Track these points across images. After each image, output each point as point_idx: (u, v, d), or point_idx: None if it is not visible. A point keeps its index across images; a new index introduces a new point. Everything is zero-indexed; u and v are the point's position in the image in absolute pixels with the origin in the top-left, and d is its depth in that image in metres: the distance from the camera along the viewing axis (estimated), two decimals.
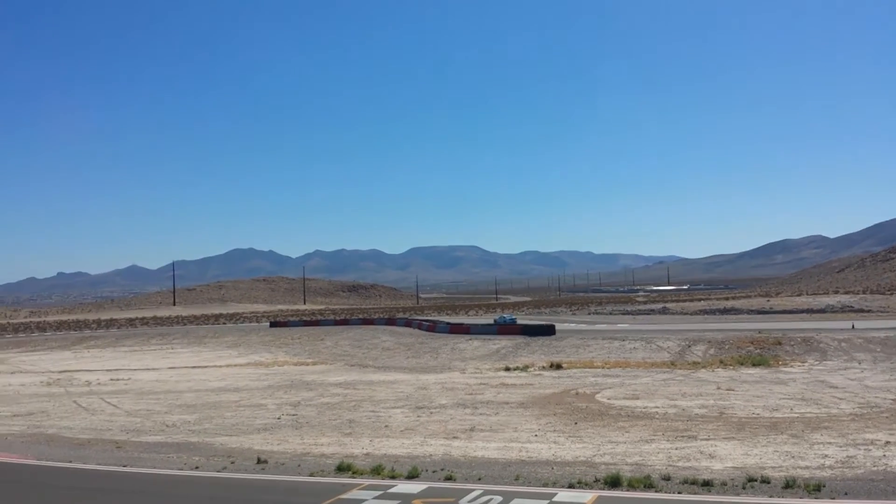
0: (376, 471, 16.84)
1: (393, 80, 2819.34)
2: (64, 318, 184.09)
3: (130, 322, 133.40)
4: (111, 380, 40.69)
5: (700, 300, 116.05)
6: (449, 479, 16.04)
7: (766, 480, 14.98)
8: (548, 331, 53.71)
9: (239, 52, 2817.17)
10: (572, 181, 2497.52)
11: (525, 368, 38.43)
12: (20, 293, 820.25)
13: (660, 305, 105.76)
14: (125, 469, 18.39)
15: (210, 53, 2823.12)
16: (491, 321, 69.27)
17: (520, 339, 52.04)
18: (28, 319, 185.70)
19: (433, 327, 65.15)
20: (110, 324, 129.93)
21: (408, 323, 75.57)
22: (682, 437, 19.99)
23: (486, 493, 14.76)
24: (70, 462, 19.51)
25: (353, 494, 14.95)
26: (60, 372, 46.71)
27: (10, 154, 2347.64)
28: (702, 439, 19.60)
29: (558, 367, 38.19)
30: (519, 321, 69.21)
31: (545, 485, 15.33)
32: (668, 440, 19.62)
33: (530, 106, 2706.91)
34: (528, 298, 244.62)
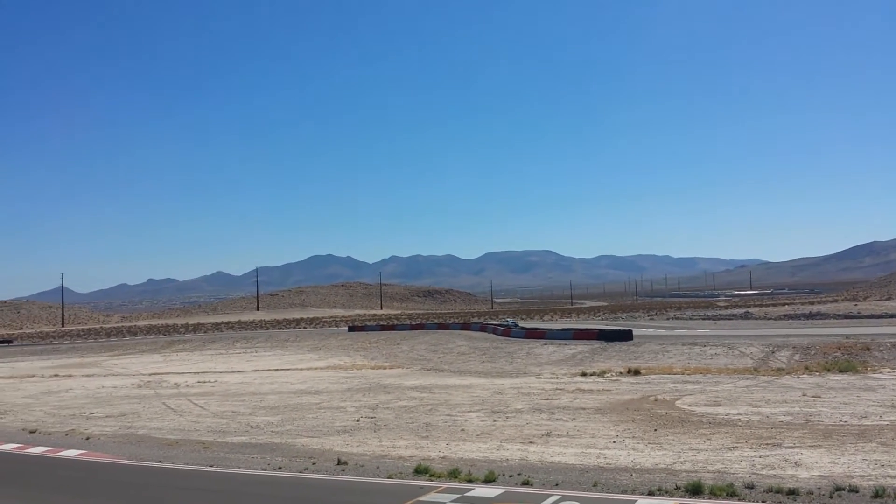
0: (453, 474, 17.01)
1: (465, 83, 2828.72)
2: (154, 322, 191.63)
3: (216, 326, 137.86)
4: (198, 382, 42.18)
5: (784, 305, 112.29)
6: (526, 483, 16.07)
7: (854, 489, 14.48)
8: (625, 336, 52.92)
9: (314, 60, 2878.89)
10: (649, 184, 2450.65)
11: (602, 374, 38.01)
12: (112, 299, 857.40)
13: (742, 310, 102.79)
14: (212, 469, 19.10)
15: (288, 61, 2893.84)
16: (564, 326, 68.84)
17: (596, 345, 51.46)
18: (120, 324, 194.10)
19: (508, 332, 65.04)
20: (197, 328, 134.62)
21: (482, 327, 75.64)
22: (767, 444, 19.46)
23: (563, 498, 14.74)
24: (160, 462, 20.38)
25: (432, 497, 15.16)
26: (150, 375, 48.68)
27: (101, 167, 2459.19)
28: (787, 447, 19.04)
29: (636, 372, 37.61)
30: (595, 327, 68.46)
31: (624, 492, 15.20)
32: (751, 448, 19.13)
33: (605, 108, 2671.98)
34: (603, 303, 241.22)
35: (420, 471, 17.48)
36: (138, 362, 61.35)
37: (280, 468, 18.77)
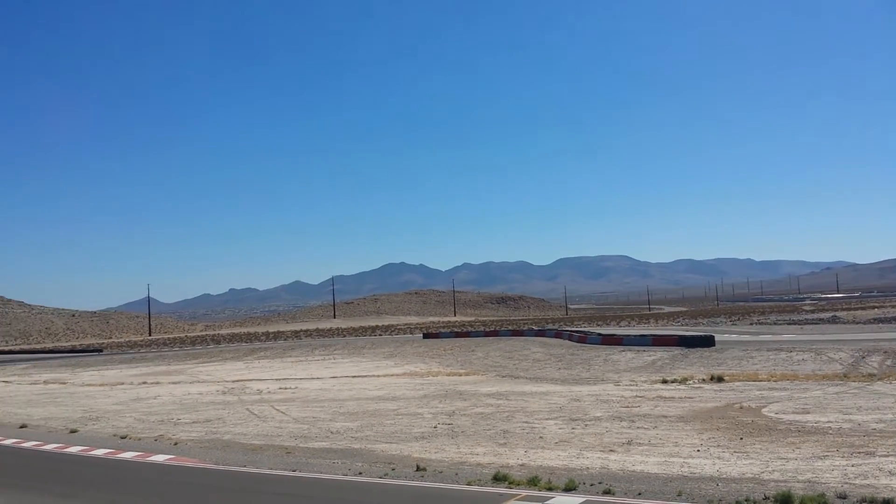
0: (532, 482, 16.88)
1: (535, 89, 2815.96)
2: (236, 331, 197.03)
3: (295, 334, 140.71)
4: (280, 388, 43.11)
5: (873, 308, 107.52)
6: (608, 492, 15.81)
7: None
8: (706, 342, 51.56)
9: (390, 70, 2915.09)
10: (728, 186, 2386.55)
11: (683, 381, 37.13)
12: (196, 309, 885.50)
13: (829, 314, 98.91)
14: (295, 474, 19.48)
15: (363, 72, 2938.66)
16: (642, 332, 67.56)
17: (676, 351, 50.31)
18: (204, 333, 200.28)
19: (584, 338, 64.25)
20: (277, 336, 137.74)
21: (558, 334, 74.92)
22: (859, 453, 18.63)
23: None
24: (244, 466, 20.87)
25: None
26: (234, 381, 50.02)
27: (184, 183, 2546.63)
28: (881, 455, 18.19)
29: (719, 379, 36.59)
30: (675, 332, 66.95)
31: (710, 502, 14.78)
32: (843, 456, 18.35)
33: (683, 111, 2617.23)
34: (683, 309, 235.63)
35: (499, 478, 17.41)
36: (222, 369, 63.11)
37: (360, 473, 18.99)
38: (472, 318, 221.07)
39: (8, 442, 27.85)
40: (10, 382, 60.76)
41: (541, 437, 23.26)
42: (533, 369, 49.07)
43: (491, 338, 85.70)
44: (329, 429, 27.16)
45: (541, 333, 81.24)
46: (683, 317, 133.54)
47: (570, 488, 16.26)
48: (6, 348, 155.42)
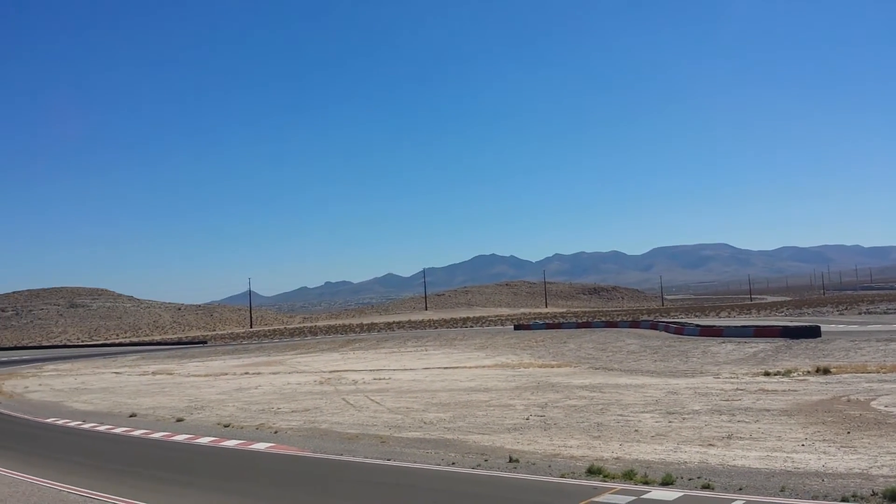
0: (628, 476, 16.57)
1: (626, 78, 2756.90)
2: (331, 322, 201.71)
3: (388, 326, 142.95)
4: (374, 379, 43.89)
5: None
6: (706, 487, 15.36)
7: None
8: (812, 332, 49.33)
9: (480, 66, 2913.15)
10: (834, 170, 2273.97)
11: (787, 373, 35.68)
12: (294, 301, 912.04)
13: None
14: (389, 463, 19.78)
15: (454, 67, 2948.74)
16: (743, 323, 65.29)
17: (779, 342, 48.39)
18: (301, 325, 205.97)
19: (681, 329, 62.62)
20: (371, 327, 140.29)
21: (653, 325, 73.33)
22: None
23: (748, 503, 13.99)
24: (341, 455, 21.34)
25: (606, 498, 14.86)
26: (330, 372, 51.23)
27: (280, 180, 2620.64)
28: None
29: (826, 371, 34.97)
30: (778, 323, 64.44)
31: (815, 497, 14.16)
32: None
33: (778, 93, 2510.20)
34: (786, 298, 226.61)
35: (593, 471, 17.18)
36: (319, 360, 64.74)
37: (453, 464, 19.11)
38: (564, 310, 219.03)
39: (119, 430, 29.41)
40: (121, 373, 64.17)
41: (636, 431, 22.82)
42: (627, 361, 48.19)
43: (583, 329, 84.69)
44: (422, 419, 27.45)
45: (635, 325, 79.75)
46: (787, 307, 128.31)
47: (667, 482, 15.89)
48: (117, 341, 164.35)
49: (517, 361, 50.91)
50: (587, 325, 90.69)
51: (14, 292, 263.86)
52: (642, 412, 26.42)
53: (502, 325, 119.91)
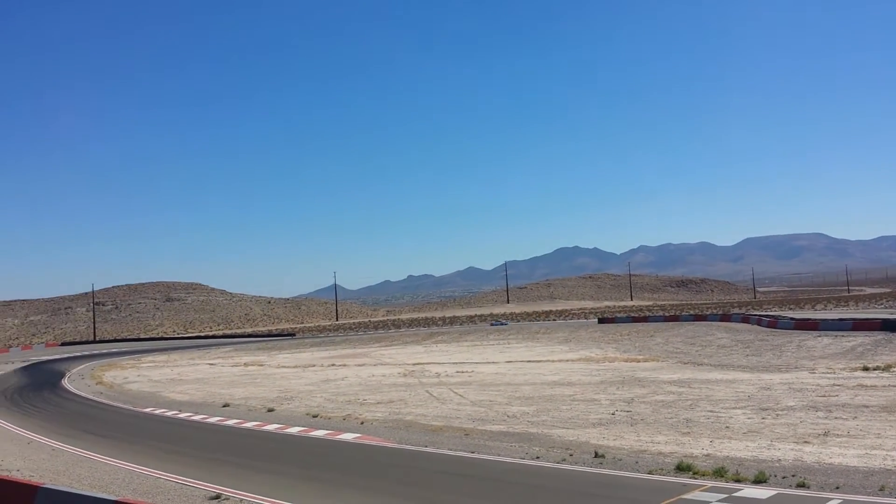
0: (719, 473, 16.08)
1: (715, 63, 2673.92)
2: (414, 315, 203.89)
3: (470, 319, 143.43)
4: (457, 372, 44.07)
5: None
6: (801, 486, 14.76)
7: None
8: None
9: (540, 47, 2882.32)
10: None
11: (887, 368, 33.94)
12: (378, 294, 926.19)
13: None
14: (473, 455, 19.80)
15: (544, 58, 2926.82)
16: (840, 316, 62.48)
17: (880, 336, 46.10)
18: (385, 318, 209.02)
19: (774, 323, 60.46)
20: (453, 320, 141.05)
21: (745, 319, 71.12)
22: None
23: (845, 503, 13.37)
24: (425, 447, 21.50)
25: (696, 496, 14.46)
26: (414, 364, 51.72)
27: (364, 175, 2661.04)
28: None
29: None
30: (878, 316, 61.42)
31: None
32: None
33: (876, 75, 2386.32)
34: (887, 290, 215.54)
35: (682, 468, 16.75)
36: (402, 353, 65.50)
37: (538, 458, 18.98)
38: (650, 303, 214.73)
39: (213, 420, 30.47)
40: (215, 364, 66.52)
41: (727, 427, 22.13)
42: (717, 356, 46.82)
43: (671, 323, 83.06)
44: (506, 412, 27.38)
45: (726, 318, 77.66)
46: (887, 298, 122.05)
47: (759, 480, 15.34)
48: (211, 333, 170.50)
49: (602, 355, 50.17)
50: (675, 318, 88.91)
51: (114, 287, 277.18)
52: (734, 408, 25.62)
53: (586, 318, 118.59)
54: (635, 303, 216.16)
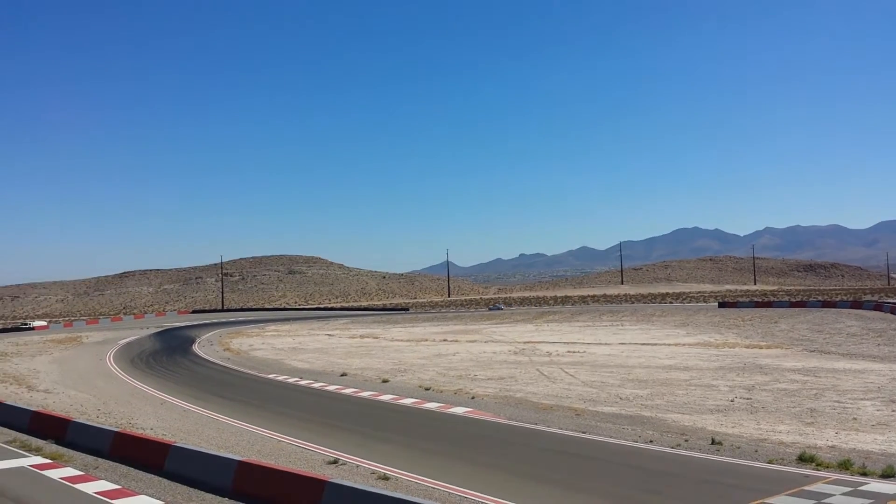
0: (844, 465, 15.37)
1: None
2: (525, 294, 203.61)
3: (583, 299, 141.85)
4: (568, 352, 43.81)
5: None
6: None
7: None
8: None
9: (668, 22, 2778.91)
10: None
11: None
12: (489, 272, 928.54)
13: None
14: (584, 436, 19.72)
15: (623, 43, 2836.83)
16: None
17: None
18: (496, 295, 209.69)
19: None
20: (565, 300, 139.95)
21: (878, 306, 67.10)
22: None
23: None
24: (535, 424, 21.59)
25: (818, 487, 13.90)
26: (524, 343, 51.78)
27: (477, 153, 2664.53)
28: None
29: None
30: None
31: None
32: None
33: None
34: None
35: (804, 459, 16.11)
36: (513, 331, 65.65)
37: (651, 441, 18.70)
38: (775, 287, 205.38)
39: (331, 388, 31.68)
40: (333, 336, 68.88)
41: (854, 419, 21.04)
42: (846, 344, 44.36)
43: (797, 308, 79.43)
44: (618, 394, 27.05)
45: (857, 305, 73.51)
46: None
47: (888, 475, 14.56)
48: (329, 305, 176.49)
49: (721, 341, 48.55)
50: (801, 304, 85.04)
51: (241, 259, 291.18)
52: (862, 399, 24.30)
53: (705, 301, 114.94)
54: (759, 287, 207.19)
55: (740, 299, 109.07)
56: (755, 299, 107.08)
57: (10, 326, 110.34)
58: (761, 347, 43.21)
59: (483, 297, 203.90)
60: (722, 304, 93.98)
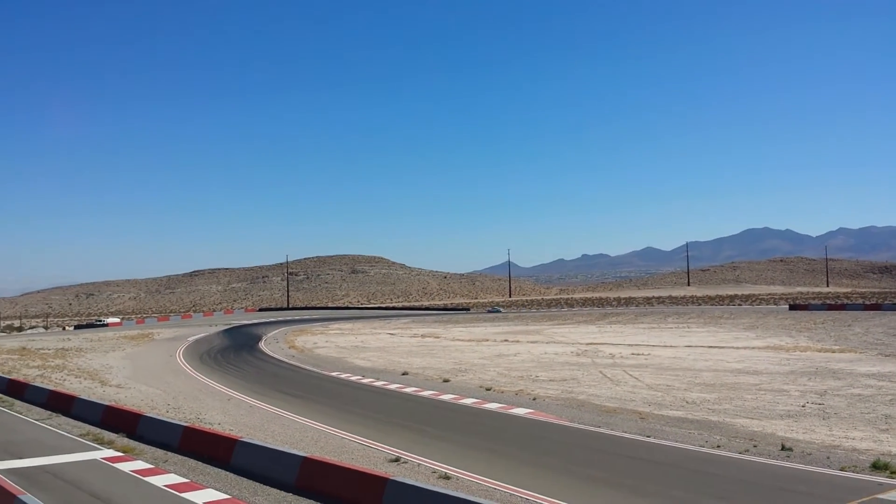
0: None
1: None
2: (588, 295, 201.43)
3: (647, 301, 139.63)
4: (632, 354, 43.14)
5: None
6: None
7: None
8: None
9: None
10: None
11: None
12: (551, 273, 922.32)
13: None
14: (649, 440, 19.36)
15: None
16: None
17: None
18: (558, 296, 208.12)
19: None
20: (629, 302, 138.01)
21: None
22: None
23: None
24: (599, 427, 21.29)
25: (892, 496, 13.36)
26: (587, 344, 51.21)
27: (538, 152, 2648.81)
28: None
29: None
30: None
31: None
32: None
33: None
34: None
35: (878, 466, 15.49)
36: (575, 332, 65.02)
37: (719, 447, 18.25)
38: (849, 290, 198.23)
39: (392, 387, 31.90)
40: (395, 335, 69.41)
41: None
42: None
43: (872, 312, 76.67)
44: (684, 398, 26.49)
45: None
46: None
47: None
48: (391, 305, 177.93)
49: (792, 344, 47.09)
50: (876, 307, 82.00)
51: (305, 258, 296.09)
52: None
53: (775, 304, 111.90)
54: (831, 289, 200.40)
55: (812, 302, 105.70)
56: (828, 302, 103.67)
57: (85, 323, 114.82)
58: (834, 351, 41.79)
59: (544, 297, 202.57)
60: (793, 307, 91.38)
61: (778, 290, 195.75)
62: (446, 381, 33.13)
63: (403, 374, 36.60)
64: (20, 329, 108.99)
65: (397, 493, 12.70)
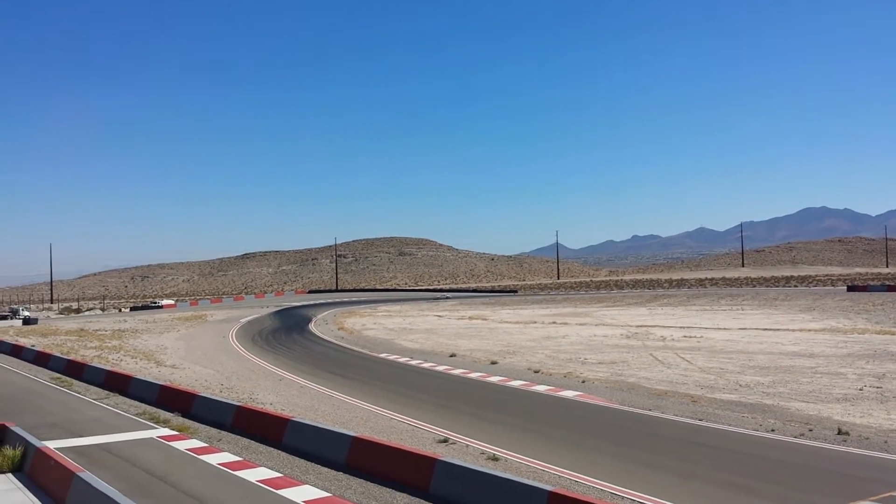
0: None
1: None
2: (638, 277, 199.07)
3: (700, 282, 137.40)
4: (683, 336, 42.51)
5: None
6: None
7: None
8: None
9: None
10: None
11: None
12: (600, 255, 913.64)
13: None
14: (701, 423, 19.07)
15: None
16: None
17: None
18: (607, 278, 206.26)
19: None
20: (681, 283, 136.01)
21: None
22: None
23: None
24: (649, 410, 21.05)
25: None
26: (637, 326, 50.62)
27: (586, 131, 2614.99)
28: None
29: None
30: None
31: None
32: None
33: None
34: None
35: None
36: (625, 314, 64.35)
37: (773, 430, 17.88)
38: None
39: (440, 368, 32.04)
40: (442, 317, 69.61)
41: None
42: None
43: None
44: (737, 381, 26.02)
45: None
46: None
47: None
48: (438, 286, 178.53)
49: (850, 326, 45.85)
50: None
51: (353, 241, 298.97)
52: None
53: (832, 285, 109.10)
54: (891, 270, 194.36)
55: (871, 283, 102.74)
56: (887, 283, 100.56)
57: (140, 305, 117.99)
58: (893, 334, 40.55)
59: (593, 279, 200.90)
60: (851, 288, 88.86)
61: (836, 270, 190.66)
62: (494, 363, 33.13)
63: (451, 356, 36.71)
64: (78, 311, 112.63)
65: (446, 473, 12.76)
